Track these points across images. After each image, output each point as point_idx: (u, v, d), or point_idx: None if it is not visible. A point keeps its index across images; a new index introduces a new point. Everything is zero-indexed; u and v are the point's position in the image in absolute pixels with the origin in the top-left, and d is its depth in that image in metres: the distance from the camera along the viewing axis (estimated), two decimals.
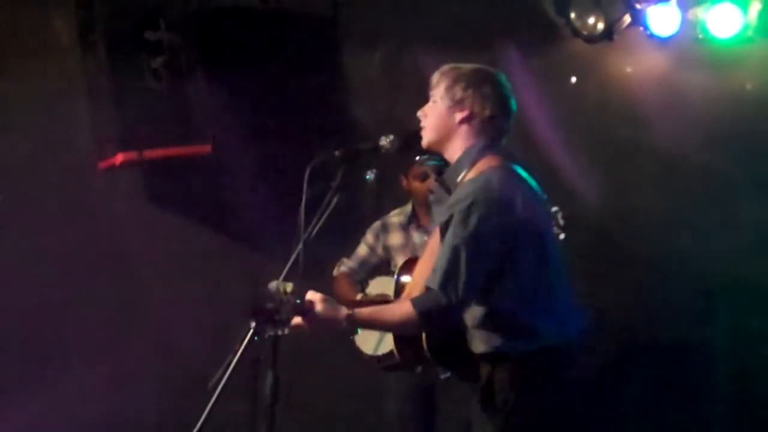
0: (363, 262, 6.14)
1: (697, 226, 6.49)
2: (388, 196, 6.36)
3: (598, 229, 6.57)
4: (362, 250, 6.17)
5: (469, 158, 4.21)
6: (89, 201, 6.51)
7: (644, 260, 6.62)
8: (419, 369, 4.55)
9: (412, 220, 6.09)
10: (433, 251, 4.23)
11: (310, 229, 4.12)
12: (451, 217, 4.07)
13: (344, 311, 4.07)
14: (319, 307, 4.06)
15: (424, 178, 5.90)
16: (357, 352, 5.38)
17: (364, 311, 4.14)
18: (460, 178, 4.19)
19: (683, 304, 6.59)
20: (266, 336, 3.92)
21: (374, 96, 6.89)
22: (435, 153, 4.34)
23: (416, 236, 6.04)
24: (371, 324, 4.22)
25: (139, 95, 6.08)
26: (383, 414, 6.10)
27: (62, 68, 6.41)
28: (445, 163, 4.32)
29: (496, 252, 4.05)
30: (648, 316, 6.70)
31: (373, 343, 5.20)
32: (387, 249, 6.10)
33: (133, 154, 6.14)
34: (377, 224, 6.17)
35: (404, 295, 4.27)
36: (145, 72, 6.14)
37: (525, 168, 4.26)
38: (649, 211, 6.68)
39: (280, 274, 4.01)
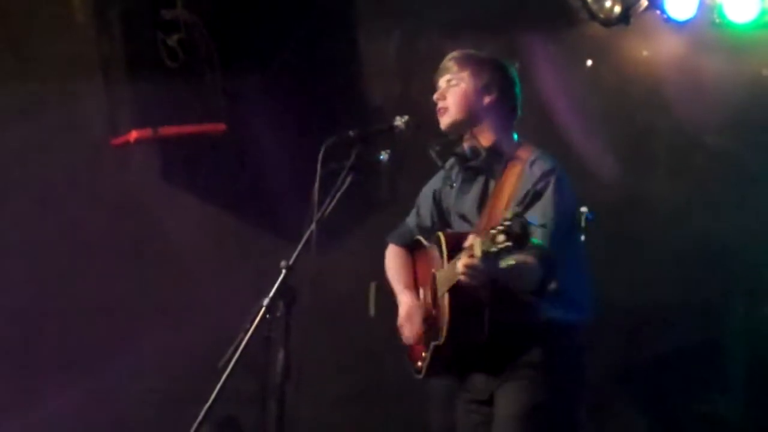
0: None
1: (713, 211, 6.48)
2: (402, 176, 6.35)
3: (613, 214, 6.55)
4: None
5: (510, 146, 4.34)
6: (102, 178, 6.52)
7: (659, 245, 6.60)
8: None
9: None
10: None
11: (323, 209, 4.12)
12: (545, 185, 4.18)
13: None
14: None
15: None
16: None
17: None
18: (506, 163, 4.29)
19: (699, 290, 6.57)
20: (278, 314, 3.93)
21: (390, 78, 6.88)
22: (453, 134, 4.37)
23: None
24: (512, 273, 4.10)
25: (154, 73, 6.10)
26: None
27: (77, 45, 6.42)
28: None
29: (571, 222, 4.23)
30: (662, 301, 6.67)
31: None
32: None
33: (147, 132, 6.16)
34: None
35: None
36: (160, 50, 6.15)
37: None
38: (664, 195, 6.66)
39: (292, 253, 4.01)
